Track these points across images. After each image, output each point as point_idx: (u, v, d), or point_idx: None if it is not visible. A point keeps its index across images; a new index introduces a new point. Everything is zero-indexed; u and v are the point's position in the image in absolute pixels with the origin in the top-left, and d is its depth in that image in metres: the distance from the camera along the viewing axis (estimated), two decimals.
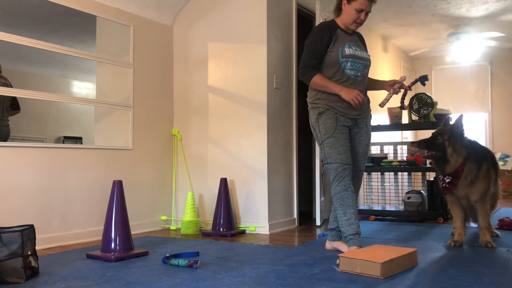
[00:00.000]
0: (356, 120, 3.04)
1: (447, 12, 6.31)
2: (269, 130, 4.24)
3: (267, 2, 4.26)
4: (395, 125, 5.01)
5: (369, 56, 3.12)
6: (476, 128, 8.68)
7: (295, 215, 4.61)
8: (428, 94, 4.73)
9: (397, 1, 5.82)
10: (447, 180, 3.29)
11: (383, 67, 7.48)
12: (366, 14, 2.97)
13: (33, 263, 2.53)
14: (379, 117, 6.92)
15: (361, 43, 3.14)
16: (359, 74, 3.00)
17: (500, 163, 8.09)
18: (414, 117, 4.84)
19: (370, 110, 3.18)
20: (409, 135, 8.50)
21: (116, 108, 4.27)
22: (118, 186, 3.11)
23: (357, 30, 3.14)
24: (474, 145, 3.37)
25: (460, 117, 3.30)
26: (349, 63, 2.96)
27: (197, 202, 4.57)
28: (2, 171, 3.32)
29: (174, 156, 4.70)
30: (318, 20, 4.66)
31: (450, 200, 3.41)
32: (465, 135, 3.31)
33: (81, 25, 4.67)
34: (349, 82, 2.98)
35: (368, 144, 3.11)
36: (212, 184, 4.49)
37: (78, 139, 6.99)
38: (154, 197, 4.48)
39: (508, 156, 8.16)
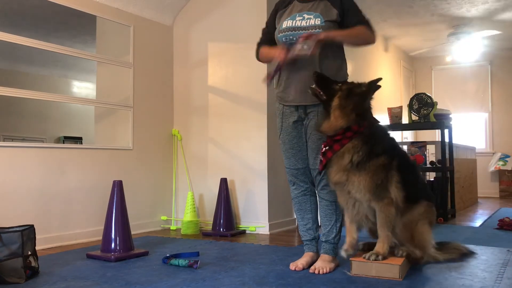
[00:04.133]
0: (305, 109, 2.61)
1: (447, 12, 6.31)
2: (269, 130, 4.24)
3: (267, 2, 4.25)
4: (395, 125, 5.01)
5: (331, 19, 2.54)
6: (476, 128, 8.68)
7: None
8: (428, 94, 4.74)
9: (397, 1, 5.82)
10: (323, 150, 2.49)
11: (383, 67, 7.48)
12: None
13: (33, 263, 2.53)
14: (379, 117, 6.93)
15: (328, 5, 2.59)
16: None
17: (500, 163, 8.10)
18: (414, 117, 4.84)
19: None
20: (409, 135, 8.50)
21: (116, 108, 4.28)
22: (118, 186, 3.11)
23: None
24: (387, 136, 2.64)
25: (373, 84, 2.52)
26: (287, 38, 2.58)
27: (197, 202, 4.57)
28: (2, 171, 3.32)
29: (174, 156, 4.70)
30: None
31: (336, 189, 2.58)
32: (374, 116, 2.61)
33: (81, 25, 4.67)
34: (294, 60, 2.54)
35: (321, 138, 2.56)
36: (212, 184, 4.49)
37: (78, 139, 7.00)
38: (154, 197, 4.48)
39: (508, 156, 8.16)
